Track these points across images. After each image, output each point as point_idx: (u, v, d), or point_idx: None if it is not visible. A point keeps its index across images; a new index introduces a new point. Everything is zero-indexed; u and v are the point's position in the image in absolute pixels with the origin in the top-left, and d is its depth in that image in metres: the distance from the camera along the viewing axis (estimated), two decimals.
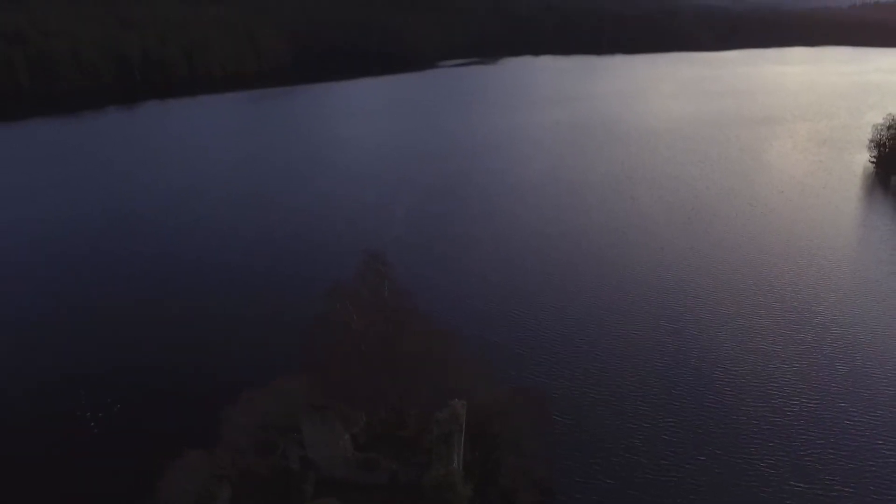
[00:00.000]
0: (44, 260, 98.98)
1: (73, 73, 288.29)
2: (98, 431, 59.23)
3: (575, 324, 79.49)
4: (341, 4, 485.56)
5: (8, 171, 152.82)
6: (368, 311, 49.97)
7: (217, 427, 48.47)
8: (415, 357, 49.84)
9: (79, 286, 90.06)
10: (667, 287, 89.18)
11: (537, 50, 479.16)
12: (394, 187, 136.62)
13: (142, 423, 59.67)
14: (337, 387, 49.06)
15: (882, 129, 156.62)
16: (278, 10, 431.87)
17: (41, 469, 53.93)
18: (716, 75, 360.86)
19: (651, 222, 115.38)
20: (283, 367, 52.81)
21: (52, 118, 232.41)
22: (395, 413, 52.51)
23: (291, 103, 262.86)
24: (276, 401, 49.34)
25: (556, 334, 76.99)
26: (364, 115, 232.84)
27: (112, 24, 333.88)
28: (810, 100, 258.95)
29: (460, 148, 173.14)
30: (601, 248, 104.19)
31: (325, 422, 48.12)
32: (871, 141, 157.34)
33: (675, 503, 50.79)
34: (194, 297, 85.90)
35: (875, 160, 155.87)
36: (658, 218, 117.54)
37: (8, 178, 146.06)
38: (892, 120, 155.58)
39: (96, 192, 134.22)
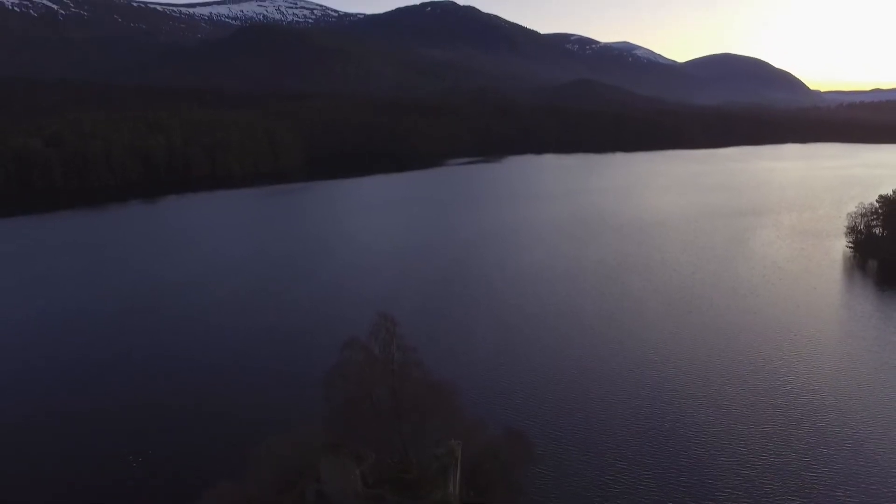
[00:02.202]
0: (64, 342, 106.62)
1: (103, 171, 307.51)
2: (127, 476, 66.81)
3: (562, 384, 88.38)
4: (352, 107, 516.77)
5: (26, 263, 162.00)
6: (378, 364, 58.91)
7: (244, 466, 56.94)
8: (418, 405, 58.29)
9: (103, 354, 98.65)
10: (649, 359, 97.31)
11: (540, 149, 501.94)
12: (400, 272, 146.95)
13: (173, 466, 67.47)
14: (350, 431, 57.34)
15: (857, 217, 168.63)
16: (294, 113, 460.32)
17: None
18: (709, 171, 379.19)
19: (638, 304, 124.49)
20: (304, 414, 61.41)
21: (79, 212, 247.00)
22: (401, 456, 60.33)
23: (305, 199, 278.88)
24: (297, 442, 57.74)
25: (544, 390, 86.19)
26: (373, 210, 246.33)
27: (141, 127, 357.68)
28: (796, 193, 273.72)
29: (464, 239, 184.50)
30: (590, 323, 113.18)
31: (339, 460, 56.03)
32: (848, 228, 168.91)
33: None
34: (226, 358, 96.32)
35: (852, 245, 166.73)
36: (645, 300, 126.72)
37: (27, 269, 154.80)
38: (865, 208, 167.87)
39: (112, 281, 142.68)
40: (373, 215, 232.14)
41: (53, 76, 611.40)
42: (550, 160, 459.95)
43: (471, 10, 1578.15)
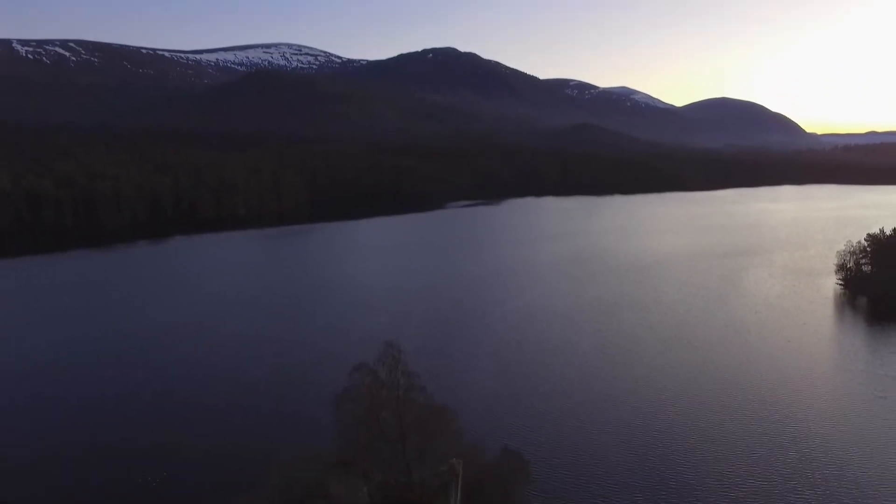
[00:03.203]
0: (67, 381, 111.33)
1: (112, 211, 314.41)
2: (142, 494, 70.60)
3: (558, 412, 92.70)
4: (355, 151, 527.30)
5: (38, 301, 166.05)
6: (385, 389, 63.15)
7: (258, 482, 60.97)
8: (421, 427, 62.42)
9: (110, 386, 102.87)
10: (642, 391, 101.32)
11: (540, 192, 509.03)
12: (402, 313, 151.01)
13: (193, 481, 71.23)
14: (358, 450, 61.41)
15: (847, 255, 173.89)
16: (298, 156, 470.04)
17: None
18: (706, 212, 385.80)
19: (633, 340, 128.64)
20: (316, 433, 65.48)
21: (89, 252, 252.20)
22: (406, 476, 64.09)
23: (308, 240, 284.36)
24: (308, 460, 61.82)
25: (541, 419, 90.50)
26: (375, 251, 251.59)
27: (149, 169, 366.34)
28: (790, 233, 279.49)
29: (465, 280, 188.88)
30: (585, 357, 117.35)
31: (347, 478, 59.87)
32: (838, 265, 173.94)
33: None
34: (242, 383, 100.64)
35: (842, 283, 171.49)
36: (640, 336, 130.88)
37: (38, 307, 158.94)
38: (855, 246, 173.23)
39: (120, 318, 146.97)
40: (375, 256, 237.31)
41: (63, 120, 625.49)
42: (550, 202, 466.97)
43: (472, 57, 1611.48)
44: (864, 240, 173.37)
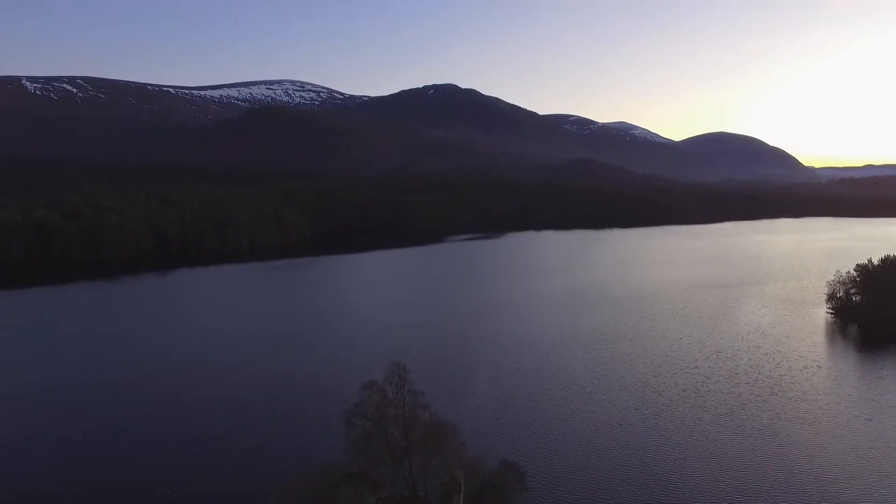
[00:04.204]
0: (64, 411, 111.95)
1: (118, 244, 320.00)
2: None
3: (554, 431, 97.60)
4: (357, 185, 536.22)
5: (48, 330, 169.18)
6: (391, 405, 67.59)
7: (271, 493, 65.11)
8: (426, 442, 66.81)
9: (118, 409, 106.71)
10: (634, 413, 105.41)
11: (539, 226, 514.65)
12: (401, 342, 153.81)
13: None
14: (367, 463, 65.68)
15: (837, 284, 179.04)
16: (301, 190, 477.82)
17: None
18: (702, 245, 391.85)
19: (627, 366, 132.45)
20: (329, 447, 69.77)
21: (92, 283, 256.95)
22: (411, 489, 67.98)
23: (310, 273, 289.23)
24: (320, 472, 65.98)
25: (537, 431, 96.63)
26: (375, 283, 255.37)
27: (154, 203, 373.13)
28: (784, 264, 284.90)
29: (463, 311, 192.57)
30: (581, 382, 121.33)
31: (357, 489, 63.96)
32: (828, 295, 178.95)
33: None
34: (257, 398, 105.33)
35: (832, 311, 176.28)
36: (634, 363, 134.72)
37: (49, 336, 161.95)
38: (844, 276, 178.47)
39: (129, 347, 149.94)
40: (375, 288, 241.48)
41: (69, 154, 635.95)
42: (549, 236, 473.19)
43: (472, 93, 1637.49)
44: (854, 270, 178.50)
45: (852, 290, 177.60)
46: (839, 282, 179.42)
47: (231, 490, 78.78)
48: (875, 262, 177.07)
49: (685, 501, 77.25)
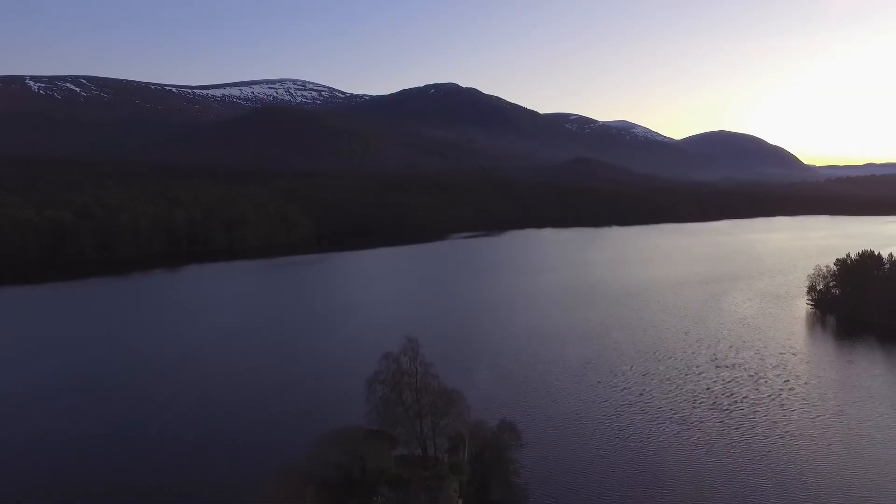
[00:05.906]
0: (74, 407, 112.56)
1: (129, 242, 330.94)
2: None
3: (546, 400, 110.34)
4: (359, 184, 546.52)
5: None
6: (406, 374, 78.74)
7: (302, 450, 76.30)
8: (435, 406, 77.86)
9: (124, 396, 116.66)
10: (624, 394, 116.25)
11: (540, 224, 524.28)
12: (407, 331, 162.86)
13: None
14: (385, 422, 76.98)
15: (817, 278, 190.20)
16: (304, 190, 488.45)
17: None
18: (697, 243, 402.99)
19: (618, 353, 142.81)
20: (351, 410, 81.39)
21: (105, 281, 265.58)
22: (422, 449, 78.86)
23: (316, 270, 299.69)
24: (345, 432, 77.24)
25: (532, 403, 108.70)
26: (379, 280, 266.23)
27: (164, 203, 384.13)
28: (774, 261, 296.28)
29: (465, 305, 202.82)
30: (574, 367, 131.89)
31: (377, 444, 75.14)
32: (808, 287, 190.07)
33: None
34: (278, 369, 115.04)
35: (812, 303, 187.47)
36: (624, 350, 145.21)
37: (63, 333, 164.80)
38: (823, 270, 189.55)
39: (141, 343, 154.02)
40: (378, 284, 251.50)
41: (73, 154, 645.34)
42: (549, 234, 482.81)
43: (473, 92, 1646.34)
44: (833, 264, 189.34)
45: (832, 284, 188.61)
46: (819, 276, 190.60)
47: (262, 454, 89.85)
48: (853, 256, 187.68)
49: (659, 460, 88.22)
